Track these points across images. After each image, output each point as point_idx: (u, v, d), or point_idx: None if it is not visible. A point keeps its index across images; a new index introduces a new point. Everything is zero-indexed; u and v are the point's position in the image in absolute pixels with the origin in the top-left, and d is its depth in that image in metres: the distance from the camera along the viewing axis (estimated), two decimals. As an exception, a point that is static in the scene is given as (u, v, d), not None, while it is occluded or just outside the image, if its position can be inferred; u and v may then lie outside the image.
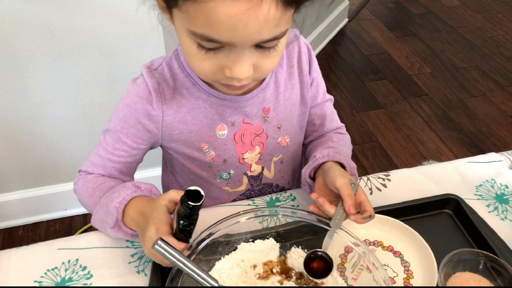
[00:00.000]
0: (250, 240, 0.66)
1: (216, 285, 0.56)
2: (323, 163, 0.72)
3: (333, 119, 0.88)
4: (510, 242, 0.71)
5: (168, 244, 0.56)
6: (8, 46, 1.33)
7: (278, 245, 0.67)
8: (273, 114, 0.78)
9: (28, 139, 1.57)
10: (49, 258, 0.72)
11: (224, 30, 0.53)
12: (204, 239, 0.62)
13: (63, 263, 0.71)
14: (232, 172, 0.81)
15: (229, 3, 0.50)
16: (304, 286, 0.63)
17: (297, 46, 0.79)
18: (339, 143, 0.81)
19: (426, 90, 2.51)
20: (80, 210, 1.80)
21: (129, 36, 1.40)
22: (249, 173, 0.82)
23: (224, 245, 0.65)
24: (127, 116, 0.74)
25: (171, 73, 0.74)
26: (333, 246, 0.63)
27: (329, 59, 2.76)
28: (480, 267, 0.65)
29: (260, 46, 0.57)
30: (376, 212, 0.72)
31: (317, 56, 2.72)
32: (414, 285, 0.66)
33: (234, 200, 0.85)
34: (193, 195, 0.55)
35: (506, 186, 0.82)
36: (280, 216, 0.66)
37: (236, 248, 0.65)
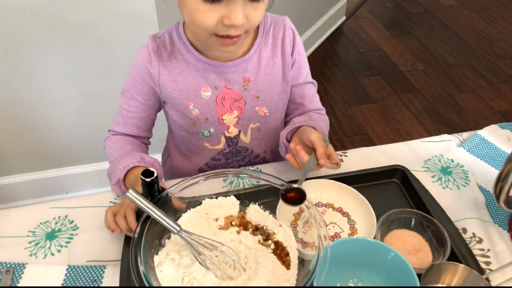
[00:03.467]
0: (214, 197, 0.76)
1: (177, 229, 0.67)
2: (299, 127, 0.83)
3: (313, 101, 0.97)
4: (447, 206, 0.80)
5: (138, 193, 0.66)
6: (14, 35, 1.44)
7: (238, 202, 0.76)
8: (253, 84, 0.89)
9: (32, 124, 1.67)
10: (43, 214, 0.83)
11: None
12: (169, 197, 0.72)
13: (54, 218, 0.82)
14: (212, 130, 0.92)
15: None
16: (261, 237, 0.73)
17: (283, 29, 0.90)
18: (316, 118, 0.91)
19: (418, 86, 2.59)
20: (81, 194, 1.90)
21: (127, 27, 1.50)
22: (227, 134, 0.94)
23: (190, 201, 0.75)
24: (134, 75, 0.88)
25: (170, 41, 0.87)
26: (290, 209, 0.73)
27: (326, 55, 2.85)
28: (413, 224, 0.75)
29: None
30: (331, 179, 0.82)
31: (314, 53, 2.83)
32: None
33: (213, 158, 0.97)
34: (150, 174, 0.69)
35: (452, 160, 0.91)
36: (243, 175, 0.76)
37: (201, 203, 0.75)
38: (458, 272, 0.66)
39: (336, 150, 0.84)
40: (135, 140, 0.94)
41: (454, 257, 0.70)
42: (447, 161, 0.91)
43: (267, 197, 0.76)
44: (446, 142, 0.96)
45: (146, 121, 0.94)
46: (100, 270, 0.72)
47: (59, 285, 0.70)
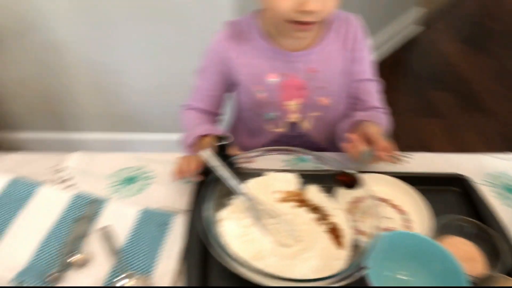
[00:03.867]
0: (276, 172, 0.82)
1: (242, 191, 0.73)
2: (360, 121, 0.88)
3: (376, 98, 1.01)
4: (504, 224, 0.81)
5: (212, 153, 0.74)
6: (106, 11, 1.58)
7: (299, 180, 0.82)
8: (317, 75, 0.95)
9: (114, 89, 1.83)
10: (126, 161, 0.93)
11: None
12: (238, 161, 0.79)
13: (135, 166, 0.92)
14: (275, 114, 0.99)
15: None
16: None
17: (352, 27, 0.95)
18: (378, 116, 0.95)
19: (492, 108, 2.49)
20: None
21: (207, 14, 1.58)
22: (288, 119, 1.00)
23: (254, 172, 0.81)
24: (211, 57, 0.97)
25: (247, 28, 0.95)
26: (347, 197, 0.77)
27: (395, 63, 2.81)
28: (468, 233, 0.76)
29: None
30: (394, 177, 0.86)
31: (385, 59, 2.81)
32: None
33: (273, 140, 1.03)
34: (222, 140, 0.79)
35: (517, 179, 0.91)
36: (308, 157, 0.81)
37: (265, 174, 0.82)
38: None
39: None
40: (208, 115, 1.03)
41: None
42: (510, 179, 0.92)
43: (328, 181, 0.81)
44: (512, 161, 0.96)
45: (219, 99, 1.03)
46: (170, 216, 0.81)
47: (135, 222, 0.79)
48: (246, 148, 1.08)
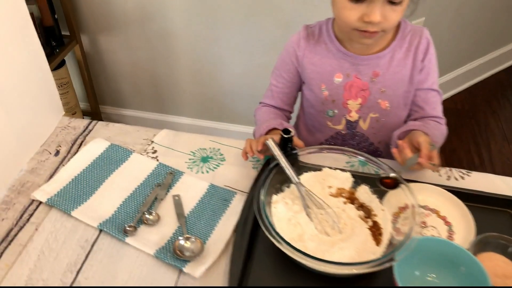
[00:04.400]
0: (334, 168, 0.90)
1: (296, 180, 0.82)
2: (413, 130, 0.93)
3: (435, 108, 1.05)
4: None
5: (276, 142, 0.84)
6: (210, 4, 1.74)
7: (352, 179, 0.89)
8: (381, 79, 1.01)
9: (210, 80, 2.00)
10: (204, 142, 1.06)
11: None
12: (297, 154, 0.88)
13: (210, 147, 1.05)
14: (336, 111, 1.07)
15: None
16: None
17: (419, 37, 1.00)
18: (433, 126, 0.98)
19: None
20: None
21: (301, 11, 1.67)
22: (348, 117, 1.07)
23: (311, 167, 0.90)
24: (284, 57, 1.08)
25: (319, 31, 1.04)
26: (393, 202, 0.83)
27: (499, 86, 2.68)
28: (510, 251, 0.78)
29: (390, 1, 0.85)
30: (446, 189, 0.89)
31: (485, 80, 2.69)
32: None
33: (332, 136, 1.11)
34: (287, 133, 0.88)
35: None
36: (366, 160, 0.88)
37: (322, 169, 0.90)
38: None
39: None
40: (279, 111, 1.12)
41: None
42: None
43: (376, 184, 0.86)
44: None
45: (289, 96, 1.12)
46: (232, 194, 0.92)
47: (202, 194, 0.92)
48: (306, 144, 1.17)
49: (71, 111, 2.04)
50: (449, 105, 2.53)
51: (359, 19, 0.88)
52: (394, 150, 0.90)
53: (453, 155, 2.22)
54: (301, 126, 1.20)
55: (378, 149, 1.12)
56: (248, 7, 1.73)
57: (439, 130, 1.01)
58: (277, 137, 0.90)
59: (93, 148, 1.02)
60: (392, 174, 0.83)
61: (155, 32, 1.89)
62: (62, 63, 1.92)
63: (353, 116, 1.07)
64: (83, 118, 2.10)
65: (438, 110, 1.05)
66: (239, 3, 1.72)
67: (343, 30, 0.98)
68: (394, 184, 0.82)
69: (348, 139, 1.11)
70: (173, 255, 0.79)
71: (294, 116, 1.25)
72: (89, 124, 1.11)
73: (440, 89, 1.05)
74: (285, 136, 0.88)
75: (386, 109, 1.05)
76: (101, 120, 2.20)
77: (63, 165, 0.99)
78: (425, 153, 0.84)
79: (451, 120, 2.89)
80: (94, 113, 2.18)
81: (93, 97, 2.13)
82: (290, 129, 0.90)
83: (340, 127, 1.10)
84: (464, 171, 0.99)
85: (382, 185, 0.84)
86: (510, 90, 2.68)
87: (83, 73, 2.03)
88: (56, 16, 1.79)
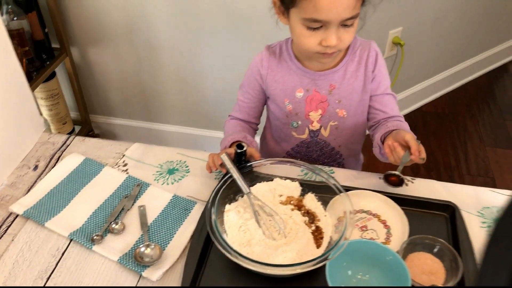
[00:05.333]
0: (284, 178, 0.98)
1: (247, 191, 0.91)
2: (392, 130, 1.02)
3: (393, 109, 1.13)
4: (480, 251, 0.88)
5: (230, 157, 0.93)
6: (195, 19, 1.83)
7: (300, 188, 0.97)
8: (337, 91, 1.10)
9: (196, 89, 2.08)
10: (171, 155, 1.15)
11: (324, 12, 0.90)
12: (252, 166, 0.96)
13: (177, 160, 1.13)
14: (299, 123, 1.16)
15: None
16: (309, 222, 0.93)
17: (368, 50, 1.09)
18: (403, 125, 1.08)
19: None
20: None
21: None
22: (311, 127, 1.16)
23: (265, 177, 0.98)
24: (249, 75, 1.17)
25: (280, 51, 1.13)
26: (336, 208, 0.91)
27: (479, 90, 2.76)
28: (436, 251, 0.86)
29: (343, 24, 0.93)
30: (387, 196, 0.97)
31: (467, 84, 2.77)
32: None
33: (297, 145, 1.20)
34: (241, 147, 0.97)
35: (510, 215, 0.97)
36: (312, 171, 0.96)
37: (273, 180, 0.98)
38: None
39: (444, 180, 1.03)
40: (246, 124, 1.22)
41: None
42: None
43: (324, 192, 0.95)
44: (514, 198, 1.00)
45: (255, 110, 1.21)
46: (192, 204, 1.01)
47: (165, 204, 1.00)
48: (274, 153, 1.26)
49: (61, 121, 2.13)
50: (430, 109, 2.61)
51: (318, 44, 0.96)
52: (387, 151, 0.97)
53: (430, 157, 2.30)
54: (268, 137, 1.28)
55: (338, 152, 1.21)
56: (231, 19, 1.82)
57: (407, 126, 1.09)
58: (233, 151, 0.99)
59: (69, 163, 1.11)
60: (396, 172, 0.97)
61: (142, 43, 1.98)
62: (53, 74, 2.01)
63: (315, 125, 1.16)
64: (74, 127, 2.20)
65: (396, 110, 1.14)
66: (222, 16, 1.81)
67: (302, 53, 1.07)
68: (398, 181, 0.96)
69: (312, 146, 1.20)
70: (134, 261, 0.88)
71: (262, 127, 1.34)
72: (67, 140, 1.20)
73: (393, 92, 1.14)
74: (239, 150, 0.97)
75: (343, 117, 1.13)
76: (91, 128, 2.31)
77: (41, 179, 1.08)
78: (415, 149, 0.92)
79: (431, 124, 3.01)
80: (84, 122, 2.27)
81: (83, 107, 2.22)
82: (244, 144, 0.98)
83: (304, 136, 1.19)
84: (409, 177, 1.07)
85: (388, 183, 0.97)
86: (489, 95, 2.76)
87: (73, 84, 2.12)
88: (46, 30, 1.88)
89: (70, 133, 2.17)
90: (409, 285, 0.77)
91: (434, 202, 0.98)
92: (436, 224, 0.96)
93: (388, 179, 0.99)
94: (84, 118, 2.26)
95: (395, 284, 0.79)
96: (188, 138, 2.28)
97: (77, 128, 2.25)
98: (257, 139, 1.28)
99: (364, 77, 1.10)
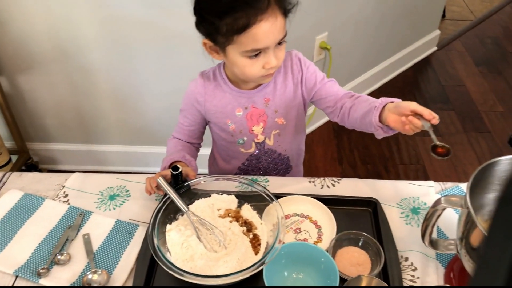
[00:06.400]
0: (221, 193, 1.05)
1: (185, 209, 0.96)
2: (384, 107, 1.01)
3: (339, 89, 1.17)
4: (401, 237, 0.99)
5: (166, 180, 0.98)
6: (127, 39, 1.86)
7: (237, 200, 1.04)
8: (272, 102, 1.18)
9: (135, 108, 2.10)
10: (110, 181, 1.18)
11: (263, 41, 0.97)
12: (189, 185, 1.02)
13: (117, 185, 1.17)
14: (245, 139, 1.23)
15: (263, 24, 0.94)
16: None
17: (290, 59, 1.18)
18: (369, 98, 1.09)
19: (490, 128, 2.60)
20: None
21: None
22: (256, 140, 1.23)
23: (203, 193, 1.04)
24: (187, 102, 1.22)
25: (214, 77, 1.19)
26: (271, 215, 0.98)
27: (405, 83, 2.96)
28: (361, 243, 0.96)
29: (277, 44, 1.00)
30: (315, 198, 1.06)
31: (394, 79, 2.96)
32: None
33: (247, 159, 1.27)
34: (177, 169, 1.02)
35: (424, 203, 1.09)
36: (243, 183, 1.03)
37: (210, 195, 1.04)
38: (372, 283, 0.86)
39: (383, 177, 1.05)
40: (187, 144, 1.27)
41: (385, 275, 0.91)
42: (420, 203, 1.09)
43: (258, 201, 1.02)
44: (428, 187, 1.13)
45: (195, 132, 1.27)
46: (135, 227, 1.05)
47: (109, 230, 1.04)
48: (225, 171, 1.32)
49: (-4, 152, 2.08)
50: (361, 105, 2.77)
51: (262, 68, 1.03)
52: (407, 128, 0.95)
53: (366, 151, 2.44)
54: (217, 156, 1.35)
55: (285, 156, 1.30)
56: (160, 35, 1.86)
57: (372, 98, 1.09)
58: (169, 173, 1.04)
59: (7, 199, 1.12)
60: (441, 143, 0.94)
61: (74, 68, 1.98)
62: (-18, 107, 1.96)
63: (260, 138, 1.23)
64: (10, 156, 2.15)
65: (342, 90, 1.18)
66: (151, 31, 1.85)
67: (247, 80, 1.12)
68: (447, 152, 0.94)
69: (261, 157, 1.27)
70: (83, 288, 0.91)
71: (208, 144, 1.38)
72: (3, 177, 1.20)
73: (332, 78, 1.20)
74: (174, 172, 1.02)
75: (283, 124, 1.22)
76: (29, 156, 2.26)
77: (-20, 219, 1.08)
78: (428, 113, 0.92)
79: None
80: (21, 151, 2.22)
81: (18, 136, 2.18)
82: (179, 165, 1.04)
83: (252, 150, 1.26)
84: (335, 178, 1.17)
85: (436, 155, 0.94)
86: (415, 86, 2.97)
87: (5, 114, 2.08)
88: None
89: (6, 164, 2.12)
90: (338, 278, 0.86)
91: (358, 199, 1.08)
92: (361, 219, 1.05)
93: (436, 152, 0.94)
94: (21, 146, 2.21)
95: (327, 279, 0.88)
96: (131, 156, 2.29)
97: (14, 158, 2.20)
98: (205, 158, 1.35)
99: (293, 84, 1.18)
